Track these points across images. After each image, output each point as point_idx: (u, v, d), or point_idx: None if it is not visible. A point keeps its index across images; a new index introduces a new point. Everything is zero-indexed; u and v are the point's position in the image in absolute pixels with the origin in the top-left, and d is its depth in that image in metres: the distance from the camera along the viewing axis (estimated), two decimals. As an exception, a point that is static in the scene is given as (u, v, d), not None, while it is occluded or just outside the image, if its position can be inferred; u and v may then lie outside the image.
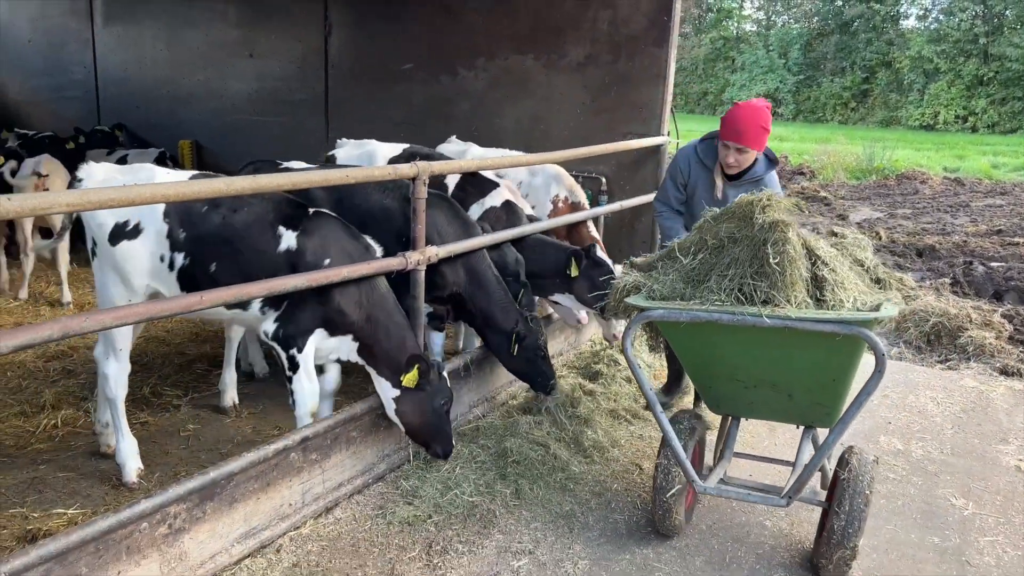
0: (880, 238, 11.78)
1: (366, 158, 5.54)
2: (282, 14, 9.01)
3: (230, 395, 4.79)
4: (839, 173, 19.20)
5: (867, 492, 3.14)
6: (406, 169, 3.68)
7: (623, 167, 7.02)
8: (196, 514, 3.00)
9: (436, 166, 3.85)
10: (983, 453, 4.66)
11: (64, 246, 6.95)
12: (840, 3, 42.96)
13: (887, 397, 5.45)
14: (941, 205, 15.19)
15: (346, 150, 5.68)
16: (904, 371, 6.03)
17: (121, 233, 3.71)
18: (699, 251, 3.16)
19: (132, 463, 3.82)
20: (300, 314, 3.69)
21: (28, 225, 6.98)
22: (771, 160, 4.12)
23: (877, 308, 2.93)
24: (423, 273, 3.90)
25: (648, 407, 3.35)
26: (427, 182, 3.74)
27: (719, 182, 4.11)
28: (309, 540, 3.43)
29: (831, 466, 3.66)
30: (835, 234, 3.48)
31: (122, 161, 8.57)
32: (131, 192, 2.54)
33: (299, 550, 3.36)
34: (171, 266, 3.74)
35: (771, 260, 2.88)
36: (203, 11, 9.75)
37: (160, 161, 8.37)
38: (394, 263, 3.72)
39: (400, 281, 3.98)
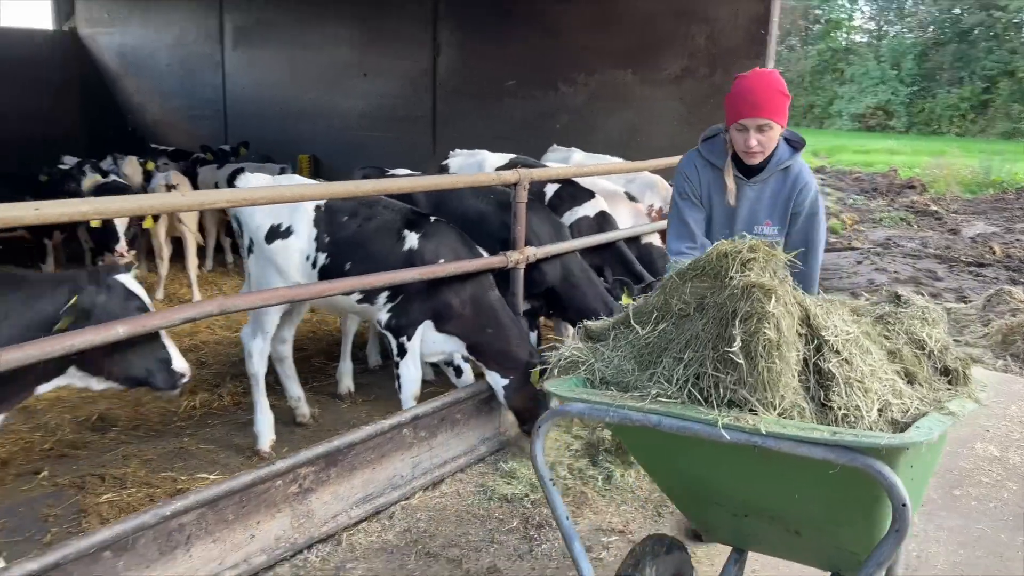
0: (995, 252, 11.39)
1: (476, 167, 5.93)
2: (394, 36, 9.61)
3: (346, 383, 5.25)
4: (952, 187, 18.50)
5: None
6: (508, 175, 4.03)
7: (718, 177, 7.17)
8: (322, 477, 3.40)
9: (536, 173, 4.19)
10: (1086, 463, 4.59)
11: (192, 251, 7.69)
12: (958, 11, 41.15)
13: (986, 406, 5.39)
14: (1065, 220, 14.48)
15: (459, 160, 6.11)
16: (1008, 382, 5.93)
17: (275, 233, 4.26)
18: (662, 319, 2.29)
19: (267, 435, 4.31)
20: (410, 306, 4.12)
21: (162, 232, 7.73)
22: (794, 143, 3.18)
23: (909, 424, 2.01)
24: (522, 271, 4.22)
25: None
26: (527, 187, 4.07)
27: (730, 184, 3.13)
28: (418, 510, 3.79)
29: None
30: (899, 298, 2.57)
31: (235, 175, 9.22)
32: (248, 194, 2.98)
33: (409, 518, 3.72)
34: (314, 264, 4.27)
35: (735, 344, 2.02)
36: (321, 35, 10.49)
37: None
38: (496, 261, 4.07)
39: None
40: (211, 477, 4.04)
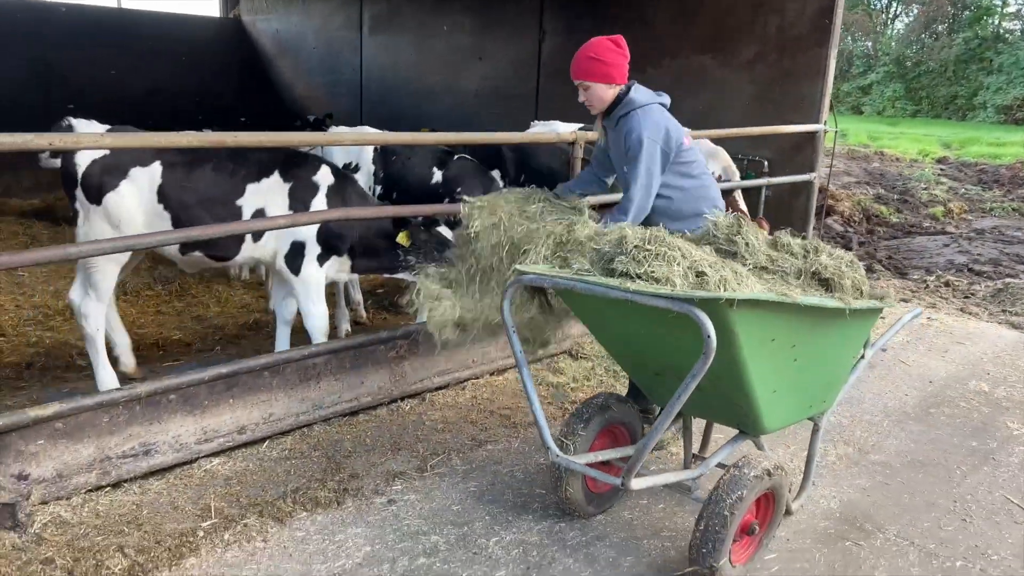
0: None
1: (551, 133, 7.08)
2: (506, 24, 10.84)
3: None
4: (1088, 183, 17.90)
5: (726, 515, 2.85)
6: (568, 135, 5.14)
7: (783, 151, 7.97)
8: (413, 350, 4.65)
9: (590, 135, 5.25)
10: (1066, 401, 5.23)
11: None
12: (1125, -5, 38.19)
13: (999, 357, 6.05)
14: None
15: (537, 128, 7.26)
16: (1032, 343, 6.52)
17: (348, 169, 5.90)
18: None
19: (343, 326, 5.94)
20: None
21: None
22: (635, 92, 3.91)
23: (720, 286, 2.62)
24: (578, 213, 5.33)
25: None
26: (583, 146, 5.16)
27: (599, 126, 4.09)
28: (484, 387, 5.00)
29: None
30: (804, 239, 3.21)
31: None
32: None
33: (477, 392, 4.93)
34: (372, 193, 5.86)
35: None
36: (445, 23, 11.87)
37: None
38: (555, 203, 5.19)
39: None
40: (335, 356, 5.42)
